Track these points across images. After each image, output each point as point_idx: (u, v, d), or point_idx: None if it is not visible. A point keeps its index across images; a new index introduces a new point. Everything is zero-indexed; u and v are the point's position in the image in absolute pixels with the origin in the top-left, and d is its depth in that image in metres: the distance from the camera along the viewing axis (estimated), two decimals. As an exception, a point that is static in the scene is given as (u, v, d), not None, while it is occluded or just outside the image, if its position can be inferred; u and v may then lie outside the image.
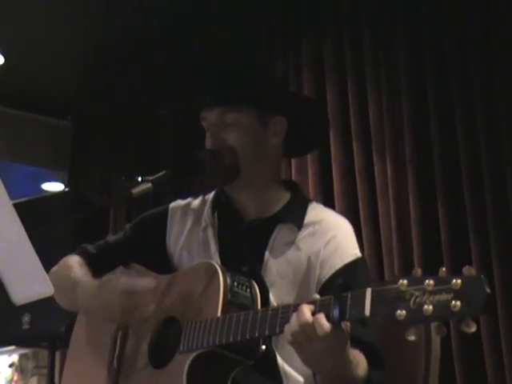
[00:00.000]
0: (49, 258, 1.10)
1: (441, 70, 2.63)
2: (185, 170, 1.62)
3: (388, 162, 2.73)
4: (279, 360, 1.53)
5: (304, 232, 1.59)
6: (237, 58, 3.42)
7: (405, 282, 1.16)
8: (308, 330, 1.26)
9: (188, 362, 1.42)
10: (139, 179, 1.54)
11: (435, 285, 1.12)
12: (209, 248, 1.63)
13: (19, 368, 4.56)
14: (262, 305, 1.48)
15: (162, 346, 1.53)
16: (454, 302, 1.09)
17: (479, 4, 2.55)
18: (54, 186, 4.87)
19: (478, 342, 2.36)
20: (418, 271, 1.17)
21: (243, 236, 1.62)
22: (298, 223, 1.60)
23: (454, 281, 1.10)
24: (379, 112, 2.79)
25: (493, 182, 2.41)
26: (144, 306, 1.53)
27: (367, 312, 1.20)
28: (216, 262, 1.53)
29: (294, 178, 2.96)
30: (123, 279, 1.56)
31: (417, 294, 1.13)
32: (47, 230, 1.53)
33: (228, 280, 1.46)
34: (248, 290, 1.48)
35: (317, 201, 1.75)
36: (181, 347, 1.46)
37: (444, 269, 1.14)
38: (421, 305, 1.12)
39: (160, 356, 1.51)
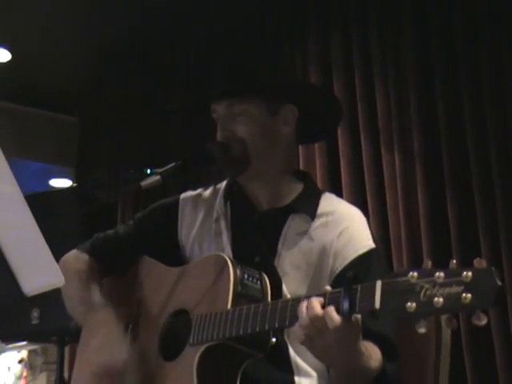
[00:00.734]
0: (56, 252, 1.10)
1: (449, 63, 2.62)
2: (194, 162, 1.61)
3: (396, 154, 2.72)
4: (291, 352, 1.53)
5: (317, 222, 1.58)
6: (244, 49, 3.41)
7: (415, 274, 1.15)
8: (318, 323, 1.25)
9: (198, 355, 1.42)
10: (148, 172, 1.54)
11: (446, 277, 1.12)
12: (221, 239, 1.63)
13: (28, 364, 4.58)
14: (274, 296, 1.47)
15: (173, 338, 1.53)
16: (464, 294, 1.08)
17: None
18: (61, 182, 4.87)
19: (487, 335, 2.36)
20: (429, 263, 1.16)
21: (256, 226, 1.61)
22: (311, 213, 1.59)
23: (465, 273, 1.10)
24: (387, 105, 2.79)
25: (501, 173, 2.41)
26: (156, 300, 1.53)
27: (377, 304, 1.19)
28: (226, 255, 1.53)
29: (301, 170, 2.95)
30: (138, 276, 1.56)
31: (427, 286, 1.13)
32: (55, 224, 1.54)
33: (238, 272, 1.46)
34: (258, 283, 1.48)
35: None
36: (191, 339, 1.46)
37: (454, 261, 1.13)
38: (431, 297, 1.12)
39: (170, 348, 1.51)
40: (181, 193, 1.78)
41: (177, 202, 1.74)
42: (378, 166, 2.79)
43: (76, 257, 1.74)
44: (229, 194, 1.67)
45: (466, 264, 1.12)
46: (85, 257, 1.74)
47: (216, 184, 1.73)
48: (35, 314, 3.03)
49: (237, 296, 1.44)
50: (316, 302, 1.27)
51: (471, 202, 2.48)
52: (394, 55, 2.81)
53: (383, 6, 2.88)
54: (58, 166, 4.75)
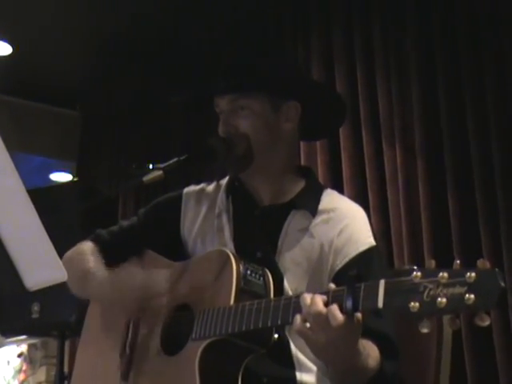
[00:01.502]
0: (58, 247, 1.10)
1: (451, 60, 2.62)
2: (196, 157, 1.61)
3: (397, 150, 2.72)
4: (293, 348, 1.53)
5: (318, 219, 1.59)
6: (247, 44, 3.41)
7: (418, 274, 1.15)
8: (321, 320, 1.25)
9: (200, 350, 1.42)
10: (150, 167, 1.53)
11: (449, 277, 1.12)
12: (223, 234, 1.63)
13: (28, 358, 4.58)
14: (275, 292, 1.47)
15: (175, 333, 1.53)
16: (467, 295, 1.08)
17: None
18: (62, 177, 4.87)
19: (488, 334, 2.36)
20: (432, 263, 1.16)
21: (258, 222, 1.61)
22: (313, 210, 1.59)
23: (468, 274, 1.10)
24: (388, 100, 2.78)
25: (503, 168, 2.41)
26: (158, 300, 1.53)
27: (380, 304, 1.19)
28: (229, 250, 1.53)
29: (303, 166, 2.95)
30: (138, 269, 1.56)
31: (430, 286, 1.13)
32: (56, 219, 1.53)
33: (241, 268, 1.46)
34: (261, 278, 1.48)
35: (327, 189, 1.74)
36: (193, 335, 1.46)
37: (458, 261, 1.13)
38: (434, 297, 1.12)
39: (172, 343, 1.51)
40: (182, 188, 1.78)
41: (180, 196, 1.74)
42: (380, 161, 2.79)
43: (79, 251, 1.74)
44: (231, 189, 1.68)
45: (468, 259, 1.12)
46: (88, 250, 1.73)
47: (219, 179, 1.73)
48: (35, 307, 3.04)
49: (239, 291, 1.44)
50: (319, 299, 1.27)
51: (472, 197, 2.48)
52: (396, 51, 2.81)
53: (386, 3, 2.87)
54: (58, 160, 4.75)
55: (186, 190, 1.75)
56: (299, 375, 1.53)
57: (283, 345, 1.52)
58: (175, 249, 1.68)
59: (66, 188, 3.50)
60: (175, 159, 1.56)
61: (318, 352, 1.35)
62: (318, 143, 2.97)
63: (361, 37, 2.94)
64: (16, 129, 4.40)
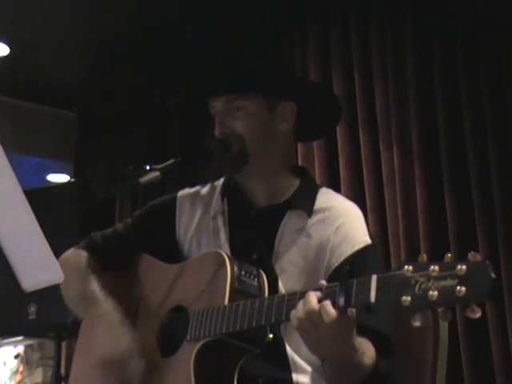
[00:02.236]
0: (54, 248, 1.10)
1: (448, 61, 2.62)
2: (193, 158, 1.61)
3: (395, 151, 2.73)
4: (288, 349, 1.53)
5: (314, 218, 1.59)
6: (244, 45, 3.41)
7: (410, 268, 1.16)
8: (314, 316, 1.26)
9: (195, 350, 1.43)
10: (147, 168, 1.54)
11: (440, 270, 1.13)
12: (218, 236, 1.63)
13: (25, 359, 4.58)
14: (270, 293, 1.48)
15: (170, 335, 1.53)
16: (458, 287, 1.09)
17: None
18: (59, 177, 4.87)
19: (484, 330, 2.37)
20: (424, 257, 1.17)
21: (253, 223, 1.62)
22: (308, 210, 1.59)
23: (459, 266, 1.11)
24: (386, 101, 2.79)
25: (499, 170, 2.41)
26: (154, 297, 1.54)
27: (373, 298, 1.20)
28: (224, 251, 1.53)
29: (300, 167, 2.96)
30: (137, 274, 1.57)
31: (422, 279, 1.14)
32: (53, 220, 1.54)
33: (235, 269, 1.47)
34: (255, 279, 1.49)
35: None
36: (188, 335, 1.46)
37: (449, 255, 1.14)
38: (426, 290, 1.13)
39: (168, 344, 1.52)
40: (179, 189, 1.78)
41: (174, 199, 1.74)
42: (377, 163, 2.79)
43: (74, 255, 1.74)
44: (226, 190, 1.68)
45: (462, 259, 1.13)
46: (83, 254, 1.74)
47: (214, 181, 1.74)
48: (32, 309, 3.04)
49: (234, 292, 1.45)
50: (313, 297, 1.27)
51: (469, 199, 2.48)
52: (393, 52, 2.81)
53: (383, 3, 2.88)
54: (55, 161, 4.75)
55: (181, 192, 1.76)
56: (295, 376, 1.53)
57: (278, 346, 1.52)
58: (170, 252, 1.68)
59: (63, 189, 3.50)
60: (172, 160, 1.56)
61: (313, 348, 1.36)
62: (315, 145, 2.98)
63: (358, 38, 2.94)
64: (13, 130, 4.40)
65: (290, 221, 1.59)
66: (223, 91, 1.61)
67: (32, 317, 3.04)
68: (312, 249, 1.56)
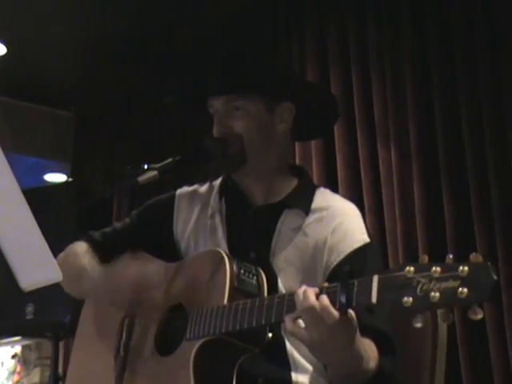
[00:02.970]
0: (51, 247, 1.09)
1: (446, 61, 2.62)
2: (191, 157, 1.61)
3: (392, 151, 2.73)
4: (288, 347, 1.53)
5: (311, 218, 1.59)
6: (242, 45, 3.41)
7: (411, 269, 1.16)
8: (314, 315, 1.25)
9: (194, 350, 1.42)
10: (145, 167, 1.54)
11: (442, 272, 1.12)
12: (216, 235, 1.63)
13: (22, 359, 4.57)
14: (269, 292, 1.47)
15: (169, 334, 1.53)
16: (460, 288, 1.09)
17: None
18: (56, 177, 4.87)
19: (482, 331, 2.37)
20: (425, 258, 1.17)
21: (251, 222, 1.62)
22: (306, 209, 1.59)
23: (461, 268, 1.10)
24: (383, 101, 2.79)
25: (497, 170, 2.41)
26: (153, 295, 1.53)
27: (374, 299, 1.19)
28: (223, 250, 1.53)
29: (297, 167, 2.95)
30: (132, 268, 1.56)
31: (424, 280, 1.13)
32: (50, 219, 1.53)
33: (234, 267, 1.46)
34: (254, 278, 1.48)
35: (322, 188, 1.74)
36: (187, 335, 1.46)
37: (451, 256, 1.14)
38: (427, 292, 1.12)
39: (167, 343, 1.51)
40: (177, 189, 1.78)
41: (173, 197, 1.74)
42: (375, 162, 2.79)
43: (73, 251, 1.74)
44: (224, 189, 1.68)
45: (463, 260, 1.12)
46: (82, 251, 1.73)
47: (212, 180, 1.73)
48: (30, 308, 3.03)
49: (233, 291, 1.44)
50: (312, 295, 1.27)
51: (467, 198, 2.48)
52: (390, 52, 2.81)
53: (380, 3, 2.88)
54: (53, 161, 4.74)
55: (179, 191, 1.76)
56: (294, 376, 1.52)
57: (278, 345, 1.52)
58: (168, 250, 1.68)
59: (60, 188, 3.49)
60: (170, 159, 1.56)
61: (315, 352, 1.35)
62: (312, 145, 2.98)
63: (355, 39, 2.94)
64: (10, 130, 4.39)
65: (287, 220, 1.59)
66: (223, 91, 1.61)
67: (29, 316, 3.03)
68: (309, 248, 1.56)
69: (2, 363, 4.63)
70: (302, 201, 1.61)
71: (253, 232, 1.61)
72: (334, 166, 2.93)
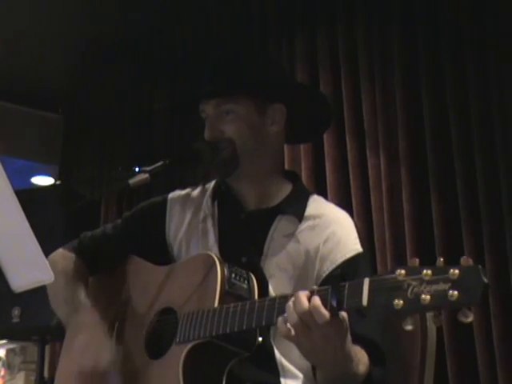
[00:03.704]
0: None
1: (435, 64, 2.63)
2: (182, 161, 1.61)
3: (381, 156, 2.73)
4: (277, 354, 1.53)
5: (304, 225, 1.58)
6: (231, 46, 3.41)
7: (402, 271, 1.16)
8: (306, 317, 1.25)
9: (184, 353, 1.42)
10: (136, 170, 1.53)
11: (433, 274, 1.13)
12: (208, 239, 1.63)
13: (6, 363, 4.54)
14: (260, 296, 1.47)
15: (159, 337, 1.53)
16: (451, 291, 1.10)
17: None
18: (43, 180, 4.84)
19: (469, 337, 2.38)
20: (416, 261, 1.17)
21: (243, 226, 1.61)
22: (299, 215, 1.59)
23: (452, 271, 1.11)
24: (372, 106, 2.79)
25: (485, 176, 2.42)
26: (143, 299, 1.54)
27: (365, 302, 1.20)
28: (214, 253, 1.52)
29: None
30: (125, 275, 1.56)
31: (414, 283, 1.14)
32: (37, 222, 1.52)
33: (225, 271, 1.46)
34: (246, 282, 1.48)
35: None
36: (177, 338, 1.45)
37: (442, 259, 1.15)
38: (418, 294, 1.13)
39: (157, 347, 1.51)
40: (166, 192, 1.78)
41: (165, 201, 1.73)
42: (363, 167, 2.79)
43: (63, 255, 1.73)
44: (216, 193, 1.67)
45: (452, 264, 1.13)
46: (72, 255, 1.73)
47: (204, 183, 1.73)
48: (16, 312, 3.01)
49: (224, 294, 1.44)
50: (304, 297, 1.27)
51: (455, 203, 2.49)
52: (380, 56, 2.81)
53: (370, 7, 2.89)
54: (40, 164, 4.72)
55: (171, 194, 1.75)
56: (283, 381, 1.53)
57: (267, 351, 1.52)
58: (160, 253, 1.68)
59: (48, 191, 3.47)
60: (161, 162, 1.56)
61: (307, 354, 1.34)
62: (301, 149, 2.98)
63: (345, 42, 2.93)
64: (-2, 131, 4.37)
65: (280, 226, 1.59)
66: (213, 95, 1.61)
67: (16, 320, 3.01)
68: (301, 255, 1.56)
69: (-13, 367, 4.60)
70: (296, 207, 1.61)
71: (245, 237, 1.60)
72: (322, 170, 2.93)
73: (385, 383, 1.46)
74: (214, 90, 1.61)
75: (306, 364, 1.52)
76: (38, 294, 1.61)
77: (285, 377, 1.53)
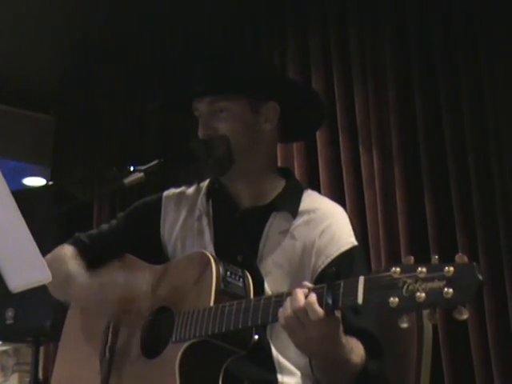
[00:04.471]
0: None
1: (427, 63, 2.64)
2: (177, 159, 1.61)
3: (374, 154, 2.73)
4: (274, 351, 1.53)
5: (299, 220, 1.59)
6: (223, 45, 3.41)
7: (397, 269, 1.17)
8: (301, 314, 1.26)
9: (180, 352, 1.42)
10: (131, 169, 1.53)
11: (428, 272, 1.14)
12: (203, 237, 1.63)
13: (0, 365, 4.52)
14: (256, 294, 1.48)
15: (155, 336, 1.53)
16: (446, 289, 1.10)
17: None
18: (35, 181, 4.82)
19: (464, 335, 2.38)
20: (411, 259, 1.18)
21: (238, 224, 1.61)
22: (293, 211, 1.59)
23: (447, 268, 1.12)
24: (365, 104, 2.79)
25: (478, 174, 2.42)
26: (139, 298, 1.53)
27: (360, 300, 1.20)
28: (209, 252, 1.53)
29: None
30: (120, 276, 1.56)
31: (409, 281, 1.14)
32: (29, 223, 1.52)
33: (221, 269, 1.46)
34: (241, 280, 1.48)
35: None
36: (173, 337, 1.46)
37: (437, 256, 1.15)
38: (413, 292, 1.13)
39: (153, 346, 1.51)
40: (158, 192, 1.78)
41: (160, 199, 1.73)
42: (357, 166, 2.79)
43: (60, 248, 1.73)
44: (211, 192, 1.67)
45: (446, 261, 1.14)
46: (70, 247, 1.73)
47: (199, 182, 1.73)
48: (10, 313, 3.00)
49: (219, 293, 1.44)
50: (300, 294, 1.27)
51: (449, 201, 2.49)
52: (372, 55, 2.81)
53: (362, 6, 2.89)
54: (32, 165, 4.70)
55: (166, 193, 1.75)
56: (280, 378, 1.53)
57: (264, 348, 1.52)
58: (155, 252, 1.68)
59: (40, 191, 3.46)
60: (156, 161, 1.56)
61: (300, 346, 1.36)
62: (294, 147, 2.98)
63: (337, 41, 2.92)
64: (-11, 133, 4.35)
65: (275, 223, 1.59)
66: (207, 93, 1.61)
67: (10, 321, 3.00)
68: (297, 251, 1.56)
69: (-20, 369, 4.58)
70: (290, 203, 1.61)
71: (240, 235, 1.60)
72: (315, 169, 2.93)
73: (381, 375, 1.47)
74: (208, 87, 1.61)
75: (303, 361, 1.53)
76: (32, 296, 1.61)
77: (282, 374, 1.53)
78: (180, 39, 3.70)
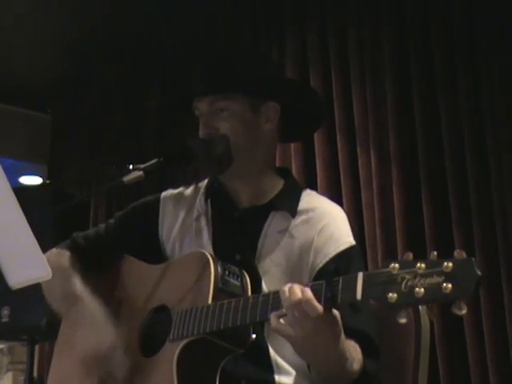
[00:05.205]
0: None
1: (426, 63, 2.64)
2: (176, 158, 1.61)
3: (372, 155, 2.73)
4: (271, 351, 1.53)
5: (297, 219, 1.59)
6: (222, 44, 3.41)
7: (396, 265, 1.18)
8: (299, 309, 1.26)
9: (178, 350, 1.42)
10: (130, 167, 1.53)
11: (426, 268, 1.14)
12: (201, 237, 1.63)
13: (-6, 363, 4.52)
14: (253, 293, 1.47)
15: (153, 335, 1.53)
16: (445, 284, 1.11)
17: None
18: (32, 180, 4.82)
19: (460, 334, 2.39)
20: (410, 255, 1.18)
21: (237, 224, 1.62)
22: (292, 210, 1.60)
23: (446, 264, 1.12)
24: (363, 105, 2.79)
25: (476, 174, 2.42)
26: (137, 297, 1.54)
27: (359, 296, 1.21)
28: (207, 252, 1.53)
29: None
30: (119, 274, 1.57)
31: (408, 277, 1.15)
32: (27, 222, 1.52)
33: (219, 268, 1.47)
34: (239, 279, 1.49)
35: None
36: (171, 335, 1.46)
37: (435, 252, 1.16)
38: (412, 288, 1.14)
39: (151, 344, 1.51)
40: (156, 191, 1.78)
41: (158, 200, 1.73)
42: (354, 167, 2.79)
43: (57, 253, 1.73)
44: (210, 191, 1.67)
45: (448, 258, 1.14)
46: (65, 252, 1.73)
47: (197, 182, 1.73)
48: (5, 312, 3.00)
49: (217, 292, 1.45)
50: (298, 289, 1.27)
51: (446, 202, 2.49)
52: (370, 55, 2.82)
53: (361, 5, 2.89)
54: (28, 163, 4.70)
55: (164, 193, 1.75)
56: (278, 378, 1.53)
57: (261, 348, 1.52)
58: (153, 252, 1.68)
59: (36, 190, 3.46)
60: (155, 160, 1.55)
61: (298, 349, 1.35)
62: (292, 147, 2.98)
63: (335, 40, 2.93)
64: (-14, 131, 4.35)
65: (274, 222, 1.60)
66: (208, 92, 1.61)
67: (5, 320, 3.00)
68: (295, 250, 1.56)
69: (-26, 367, 4.57)
70: (289, 203, 1.61)
71: (239, 234, 1.61)
72: (313, 170, 2.93)
73: (378, 375, 1.47)
74: (209, 87, 1.62)
75: (300, 361, 1.52)
76: (28, 294, 1.61)
77: (279, 374, 1.53)
78: (178, 39, 3.71)
